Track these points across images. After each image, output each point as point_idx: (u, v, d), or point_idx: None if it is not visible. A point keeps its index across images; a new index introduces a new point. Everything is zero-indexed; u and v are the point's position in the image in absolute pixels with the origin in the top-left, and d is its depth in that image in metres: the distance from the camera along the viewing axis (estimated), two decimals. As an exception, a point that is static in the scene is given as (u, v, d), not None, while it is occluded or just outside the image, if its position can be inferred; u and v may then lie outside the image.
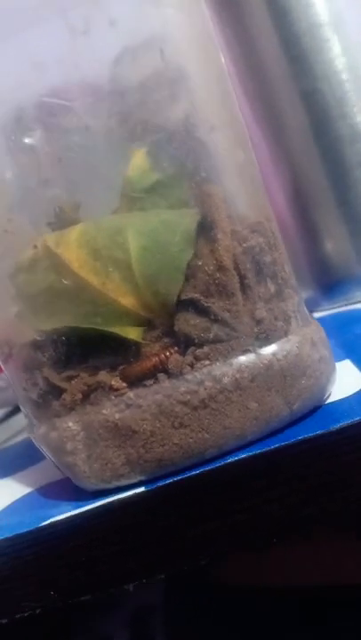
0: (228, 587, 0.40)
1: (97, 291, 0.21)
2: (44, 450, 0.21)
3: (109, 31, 0.24)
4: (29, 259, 0.23)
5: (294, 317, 0.21)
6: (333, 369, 0.22)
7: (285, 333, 0.20)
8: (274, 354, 0.20)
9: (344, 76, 0.34)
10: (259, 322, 0.20)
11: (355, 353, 0.27)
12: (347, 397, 0.22)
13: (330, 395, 0.22)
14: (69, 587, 0.21)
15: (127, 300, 0.21)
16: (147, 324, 0.21)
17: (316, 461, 0.20)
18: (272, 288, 0.20)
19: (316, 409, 0.22)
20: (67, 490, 0.23)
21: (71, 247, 0.22)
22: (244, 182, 0.21)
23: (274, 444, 0.20)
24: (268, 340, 0.20)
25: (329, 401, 0.22)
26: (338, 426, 0.19)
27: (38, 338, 0.20)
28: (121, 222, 0.22)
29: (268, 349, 0.20)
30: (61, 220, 0.24)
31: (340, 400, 0.22)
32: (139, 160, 0.24)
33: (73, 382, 0.20)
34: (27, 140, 0.21)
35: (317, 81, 0.34)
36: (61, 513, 0.21)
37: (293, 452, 0.20)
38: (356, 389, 0.22)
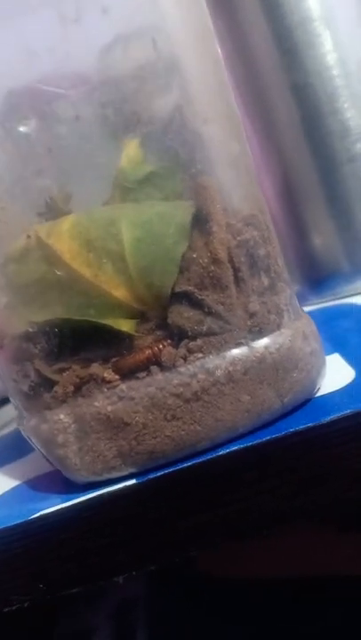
0: (213, 578, 0.41)
1: (89, 282, 0.21)
2: (35, 442, 0.21)
3: (102, 19, 0.24)
4: (20, 249, 0.23)
5: (287, 311, 0.21)
6: (324, 362, 0.22)
7: (278, 327, 0.20)
8: (266, 347, 0.20)
9: (335, 72, 0.34)
10: (252, 315, 0.20)
11: (343, 347, 0.27)
12: (337, 390, 0.22)
13: (319, 388, 0.23)
14: (59, 579, 0.21)
15: (120, 292, 0.21)
16: (139, 317, 0.21)
17: (306, 453, 0.20)
18: (265, 281, 0.20)
19: (307, 402, 0.22)
20: (56, 482, 0.23)
21: (63, 238, 0.22)
22: (238, 174, 0.21)
23: (265, 437, 0.20)
24: (260, 334, 0.20)
25: (319, 394, 0.22)
26: (328, 419, 0.20)
27: (30, 329, 0.20)
28: (114, 213, 0.22)
29: (261, 342, 0.20)
30: (52, 211, 0.23)
31: (330, 393, 0.22)
32: (132, 151, 0.24)
33: (65, 374, 0.20)
34: (21, 129, 0.20)
35: (309, 75, 0.34)
36: (51, 505, 0.21)
37: (285, 445, 0.20)
38: (346, 383, 0.22)
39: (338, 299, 0.37)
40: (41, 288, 0.22)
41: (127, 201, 0.23)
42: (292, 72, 0.34)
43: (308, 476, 0.20)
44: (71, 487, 0.22)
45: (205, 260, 0.19)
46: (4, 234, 0.22)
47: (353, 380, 0.22)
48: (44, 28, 0.24)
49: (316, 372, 0.21)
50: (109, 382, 0.20)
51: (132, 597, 0.42)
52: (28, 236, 0.21)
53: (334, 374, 0.24)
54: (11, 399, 0.22)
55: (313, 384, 0.21)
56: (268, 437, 0.20)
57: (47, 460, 0.23)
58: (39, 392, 0.20)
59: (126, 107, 0.24)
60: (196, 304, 0.20)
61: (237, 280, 0.20)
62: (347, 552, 0.39)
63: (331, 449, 0.20)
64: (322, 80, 0.34)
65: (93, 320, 0.20)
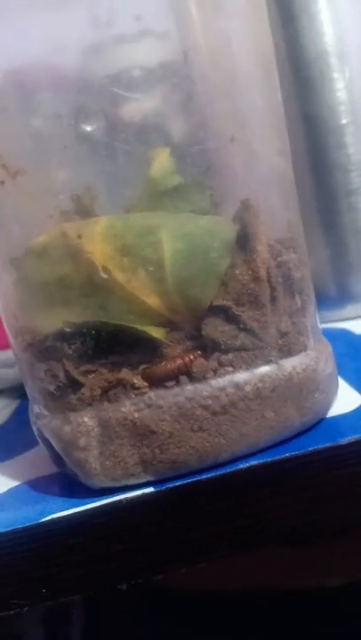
0: (145, 587, 0.41)
1: (121, 287, 0.21)
2: (54, 442, 0.21)
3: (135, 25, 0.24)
4: (43, 244, 0.22)
5: (312, 333, 0.22)
6: (337, 385, 0.23)
7: (305, 348, 0.21)
8: (294, 367, 0.21)
9: (343, 108, 0.36)
10: (283, 335, 0.20)
11: (342, 370, 0.28)
12: (347, 413, 0.23)
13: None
14: (64, 585, 0.21)
15: (152, 300, 0.21)
16: (168, 326, 0.21)
17: (322, 472, 0.21)
18: (298, 303, 0.21)
19: (320, 421, 0.23)
20: (61, 485, 0.23)
21: (95, 240, 0.22)
22: (283, 197, 0.22)
23: (284, 453, 0.21)
24: (289, 353, 0.21)
25: (329, 415, 0.23)
26: (346, 440, 0.21)
27: (67, 329, 0.20)
28: (152, 222, 0.22)
29: (290, 362, 0.20)
30: (77, 210, 0.23)
31: (341, 415, 0.23)
32: (163, 160, 0.24)
33: (92, 377, 0.20)
34: (88, 128, 0.20)
35: (321, 108, 0.35)
36: (62, 509, 0.21)
37: (302, 462, 0.21)
38: (356, 405, 0.23)
39: (324, 323, 0.39)
40: (60, 287, 0.22)
41: (154, 210, 0.23)
42: (304, 103, 0.36)
43: (320, 495, 0.21)
44: (80, 491, 0.21)
45: (246, 278, 0.20)
46: (24, 213, 0.21)
47: (361, 405, 0.23)
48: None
49: (333, 393, 0.22)
50: (138, 389, 0.20)
51: (62, 603, 0.41)
52: (79, 236, 0.20)
53: (340, 396, 0.25)
54: (30, 397, 0.22)
55: (329, 405, 0.22)
56: (288, 454, 0.21)
57: (56, 461, 0.22)
58: (65, 393, 0.20)
59: (158, 115, 0.24)
60: (232, 319, 0.20)
61: (273, 299, 0.20)
62: (302, 566, 0.40)
63: (345, 469, 0.21)
64: (332, 114, 0.36)
65: (131, 326, 0.20)
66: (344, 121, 0.36)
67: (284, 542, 0.21)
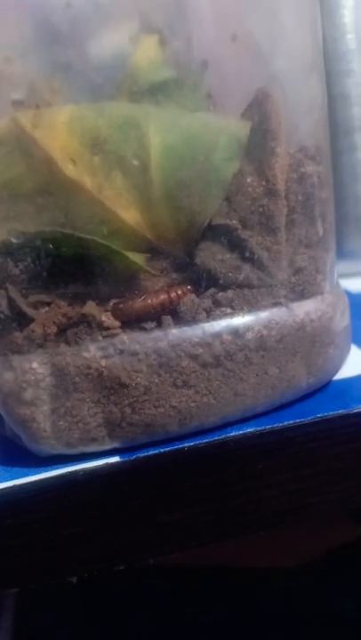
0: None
1: (89, 196, 0.16)
2: (-11, 395, 0.16)
3: None
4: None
5: (330, 273, 0.17)
6: (350, 342, 0.19)
7: (321, 290, 0.17)
8: (307, 313, 0.16)
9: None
10: (298, 270, 0.16)
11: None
12: (356, 377, 0.19)
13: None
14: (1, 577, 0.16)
15: (130, 215, 0.16)
16: (150, 250, 0.16)
17: (331, 445, 0.17)
18: (320, 231, 0.16)
19: (326, 385, 0.19)
20: (2, 451, 0.18)
21: (57, 132, 0.17)
22: (307, 95, 0.17)
23: (286, 420, 0.16)
24: (302, 295, 0.16)
25: (336, 377, 0.19)
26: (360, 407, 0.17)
27: (14, 240, 0.14)
28: (135, 112, 0.17)
29: (302, 306, 0.16)
30: (32, 101, 0.18)
31: (349, 378, 0.19)
32: (149, 48, 0.19)
33: (46, 310, 0.15)
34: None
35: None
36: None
37: (307, 432, 0.17)
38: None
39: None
40: (11, 192, 0.16)
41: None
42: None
43: (325, 471, 0.17)
44: (23, 459, 0.17)
45: (258, 190, 0.15)
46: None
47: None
48: None
49: (347, 351, 0.18)
50: (107, 329, 0.15)
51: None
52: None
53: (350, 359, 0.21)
54: None
55: (340, 364, 0.18)
56: (291, 421, 0.16)
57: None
58: (8, 328, 0.15)
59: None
60: (236, 245, 0.15)
61: (289, 223, 0.16)
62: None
63: (359, 441, 0.17)
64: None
65: (102, 242, 0.15)
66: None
67: (277, 527, 0.17)
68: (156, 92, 0.19)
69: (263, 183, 0.15)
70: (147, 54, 0.19)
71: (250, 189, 0.15)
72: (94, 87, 0.19)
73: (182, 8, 0.20)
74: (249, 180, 0.15)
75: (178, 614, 0.36)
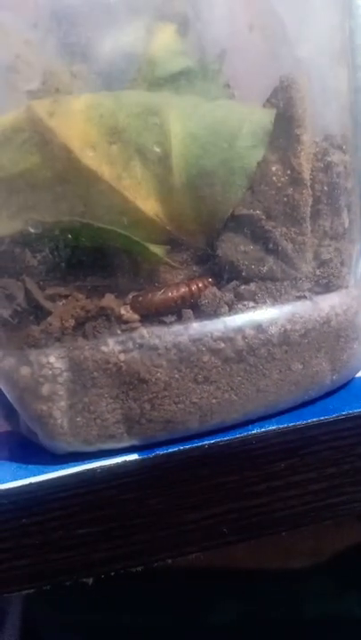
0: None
1: (107, 185, 0.16)
2: (5, 389, 0.15)
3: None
4: (8, 127, 0.17)
5: (355, 266, 0.17)
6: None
7: (347, 284, 0.16)
8: (333, 307, 0.16)
9: None
10: (323, 263, 0.15)
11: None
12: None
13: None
14: (10, 577, 0.16)
15: (150, 205, 0.16)
16: (170, 242, 0.16)
17: (356, 444, 0.16)
18: (345, 222, 0.16)
19: (349, 382, 0.18)
20: (12, 447, 0.18)
21: (74, 120, 0.16)
22: (328, 76, 0.17)
23: (310, 418, 0.16)
24: (328, 288, 0.16)
25: (360, 374, 0.19)
26: (389, 405, 0.16)
27: (32, 230, 0.14)
28: (154, 100, 0.16)
29: (328, 300, 0.16)
30: (52, 85, 0.17)
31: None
32: (166, 37, 0.18)
33: (63, 303, 0.15)
34: None
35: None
36: (13, 479, 0.15)
37: (332, 429, 0.16)
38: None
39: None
40: (25, 183, 0.16)
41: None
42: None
43: (350, 470, 0.16)
44: (39, 456, 0.16)
45: (283, 180, 0.14)
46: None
47: None
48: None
49: (372, 347, 0.18)
50: (126, 322, 0.15)
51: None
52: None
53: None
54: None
55: (364, 361, 0.18)
56: (315, 419, 0.16)
57: (6, 415, 0.17)
58: (25, 322, 0.15)
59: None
60: (259, 236, 0.15)
61: (315, 214, 0.15)
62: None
63: (384, 441, 0.16)
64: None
65: (123, 233, 0.14)
66: None
67: (300, 528, 0.16)
68: (175, 80, 0.18)
69: (288, 172, 0.14)
70: (165, 43, 0.19)
71: (274, 178, 0.14)
72: (112, 75, 0.19)
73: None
74: (273, 168, 0.14)
75: (186, 615, 0.35)
